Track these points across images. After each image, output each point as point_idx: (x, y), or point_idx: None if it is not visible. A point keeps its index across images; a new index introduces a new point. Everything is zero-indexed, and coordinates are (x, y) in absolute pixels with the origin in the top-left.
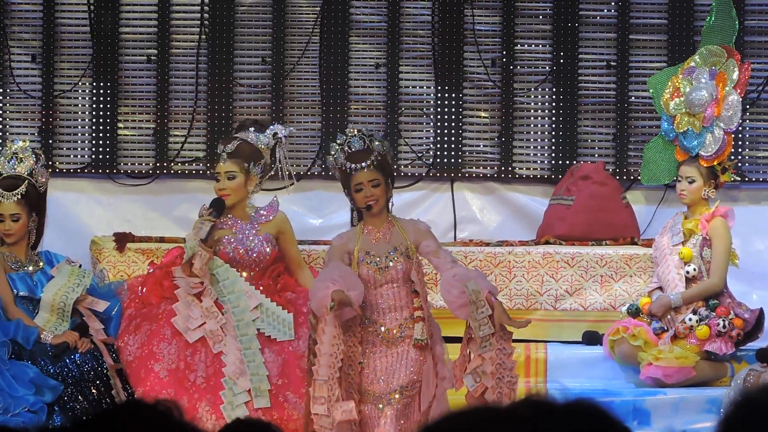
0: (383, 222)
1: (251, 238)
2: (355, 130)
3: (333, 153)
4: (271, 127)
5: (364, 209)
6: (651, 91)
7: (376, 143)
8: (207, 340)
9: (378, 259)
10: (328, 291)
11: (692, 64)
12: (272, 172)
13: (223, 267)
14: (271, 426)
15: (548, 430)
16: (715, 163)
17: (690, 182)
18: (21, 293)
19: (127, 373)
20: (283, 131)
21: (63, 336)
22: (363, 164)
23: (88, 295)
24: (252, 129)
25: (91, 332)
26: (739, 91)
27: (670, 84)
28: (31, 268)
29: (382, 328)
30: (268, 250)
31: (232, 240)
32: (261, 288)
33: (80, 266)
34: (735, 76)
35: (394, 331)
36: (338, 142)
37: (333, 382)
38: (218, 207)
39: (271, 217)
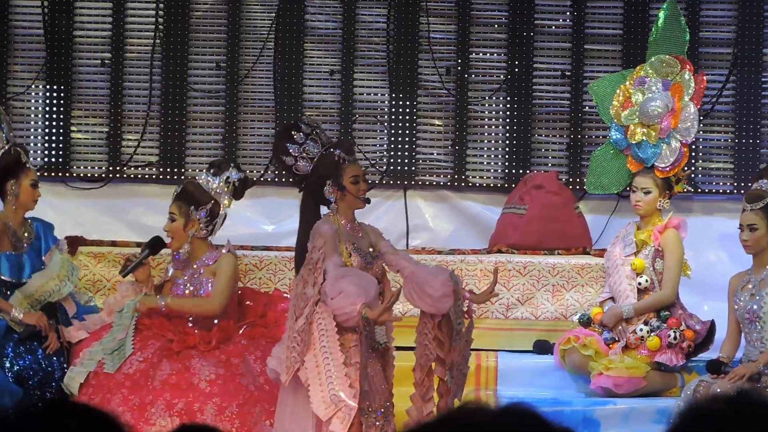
0: (354, 219)
1: (194, 279)
2: (311, 127)
3: (301, 141)
4: (227, 171)
5: (365, 201)
6: (594, 98)
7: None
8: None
9: (365, 253)
10: (359, 303)
11: (643, 73)
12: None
13: (132, 301)
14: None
15: None
16: (671, 174)
17: (646, 193)
18: (3, 277)
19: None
20: (235, 175)
21: (34, 316)
22: (355, 156)
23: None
24: (212, 170)
25: (64, 333)
26: (695, 102)
27: (619, 92)
28: (27, 235)
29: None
30: (204, 293)
31: (180, 281)
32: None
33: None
34: (691, 87)
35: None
36: (305, 131)
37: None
38: (153, 246)
39: (211, 262)
